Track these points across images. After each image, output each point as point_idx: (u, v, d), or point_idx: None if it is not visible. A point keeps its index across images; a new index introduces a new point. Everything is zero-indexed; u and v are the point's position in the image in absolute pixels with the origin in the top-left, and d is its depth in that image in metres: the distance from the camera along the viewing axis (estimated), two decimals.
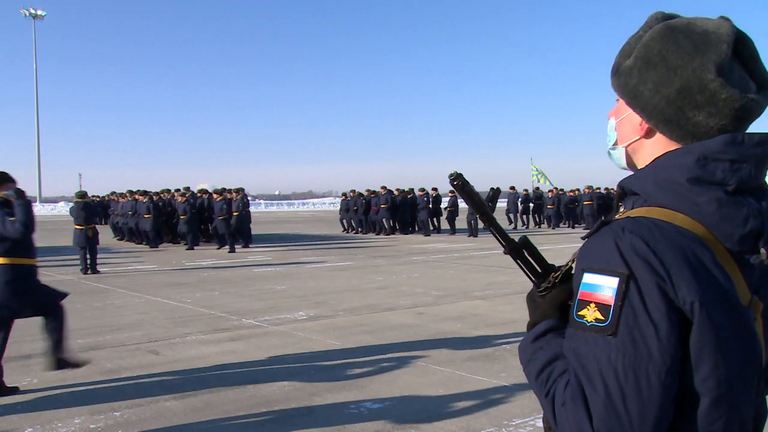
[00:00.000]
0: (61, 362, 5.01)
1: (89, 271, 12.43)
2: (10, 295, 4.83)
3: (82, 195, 13.05)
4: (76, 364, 5.11)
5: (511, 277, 10.73)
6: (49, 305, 5.00)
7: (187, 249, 17.30)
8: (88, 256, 12.48)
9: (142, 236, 19.23)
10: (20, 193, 4.90)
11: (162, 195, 19.94)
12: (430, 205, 22.78)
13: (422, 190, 22.97)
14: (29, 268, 4.95)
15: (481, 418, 4.29)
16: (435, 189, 23.29)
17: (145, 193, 19.17)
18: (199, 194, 19.54)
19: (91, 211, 12.84)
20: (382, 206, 22.60)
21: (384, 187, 23.11)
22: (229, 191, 18.62)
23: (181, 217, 17.68)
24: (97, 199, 28.11)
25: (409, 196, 23.06)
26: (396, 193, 23.14)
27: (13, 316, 4.95)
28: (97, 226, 12.96)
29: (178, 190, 19.64)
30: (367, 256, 15.31)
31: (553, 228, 25.52)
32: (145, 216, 18.37)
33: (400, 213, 22.95)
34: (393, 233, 22.73)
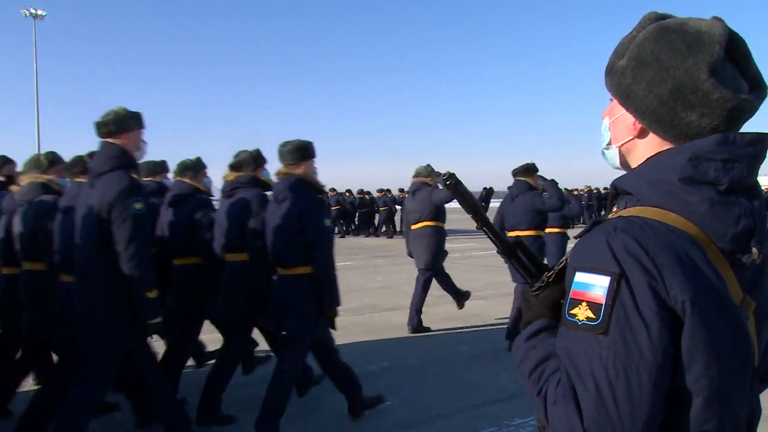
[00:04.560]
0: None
1: None
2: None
3: None
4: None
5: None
6: None
7: None
8: None
9: None
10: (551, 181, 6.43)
11: None
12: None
13: (401, 190, 22.30)
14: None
15: (481, 418, 4.29)
16: None
17: None
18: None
19: None
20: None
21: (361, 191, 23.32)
22: None
23: None
24: None
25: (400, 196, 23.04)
26: (383, 193, 23.18)
27: None
28: None
29: None
30: (367, 256, 15.30)
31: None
32: None
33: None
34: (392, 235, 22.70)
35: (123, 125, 3.47)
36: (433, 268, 6.93)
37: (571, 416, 0.94)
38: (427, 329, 6.96)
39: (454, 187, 1.20)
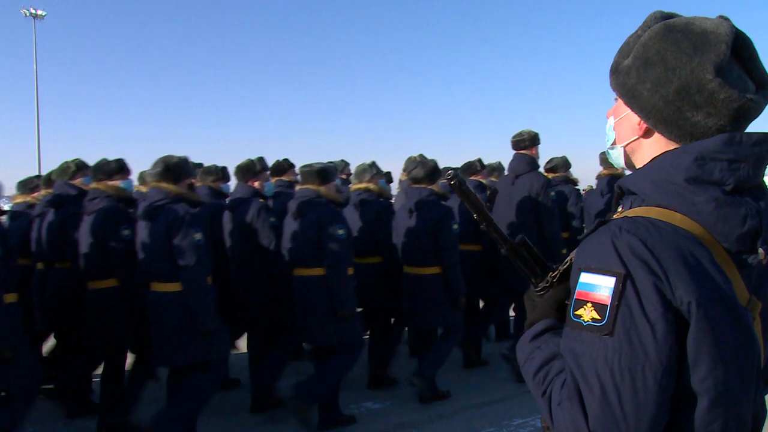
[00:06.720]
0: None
1: None
2: None
3: None
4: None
5: None
6: None
7: None
8: None
9: None
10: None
11: None
12: None
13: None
14: None
15: (481, 418, 4.29)
16: None
17: None
18: None
19: None
20: None
21: None
22: None
23: None
24: None
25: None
26: None
27: None
28: None
29: None
30: None
31: None
32: None
33: None
34: None
35: (533, 141, 5.19)
36: None
37: (576, 417, 0.93)
38: None
39: (458, 186, 1.20)
